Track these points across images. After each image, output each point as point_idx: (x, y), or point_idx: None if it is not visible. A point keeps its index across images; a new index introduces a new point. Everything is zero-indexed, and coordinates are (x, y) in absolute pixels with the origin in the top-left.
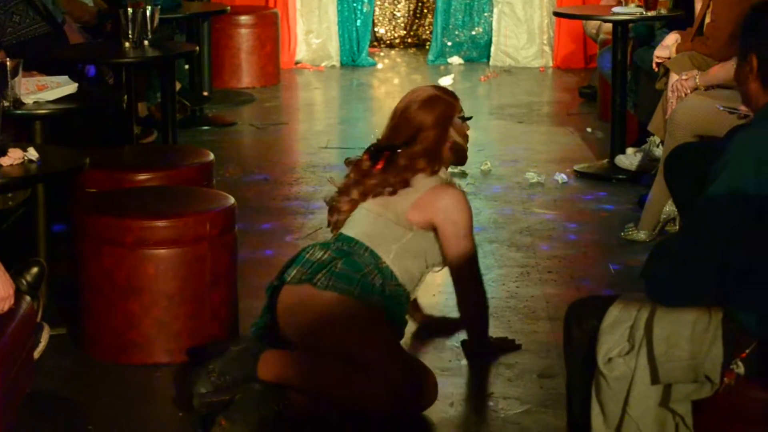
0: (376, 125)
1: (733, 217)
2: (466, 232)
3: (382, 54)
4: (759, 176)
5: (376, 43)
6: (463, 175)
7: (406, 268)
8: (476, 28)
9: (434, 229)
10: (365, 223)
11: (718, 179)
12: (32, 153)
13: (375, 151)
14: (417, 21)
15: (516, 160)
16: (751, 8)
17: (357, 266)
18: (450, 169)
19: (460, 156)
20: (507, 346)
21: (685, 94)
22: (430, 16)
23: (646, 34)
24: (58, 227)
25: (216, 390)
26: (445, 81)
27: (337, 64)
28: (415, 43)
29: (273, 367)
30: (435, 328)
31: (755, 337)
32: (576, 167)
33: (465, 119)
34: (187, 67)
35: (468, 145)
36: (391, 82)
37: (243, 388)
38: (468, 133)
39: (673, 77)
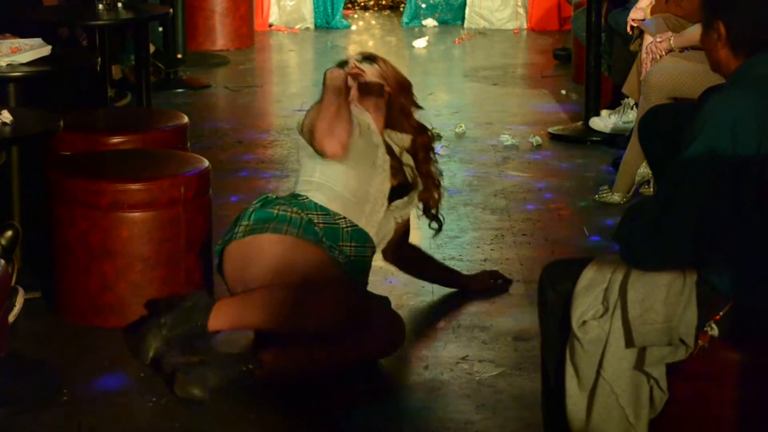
0: None
1: (708, 180)
2: None
3: (356, 16)
4: (734, 138)
5: (350, 5)
6: (438, 137)
7: (332, 197)
8: None
9: None
10: None
11: (694, 142)
12: (6, 116)
13: None
14: None
15: (490, 122)
16: None
17: (267, 213)
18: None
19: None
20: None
21: (660, 56)
22: None
23: None
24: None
25: (167, 344)
26: (420, 43)
27: (312, 26)
28: (389, 5)
29: (225, 314)
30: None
31: (729, 299)
32: (550, 129)
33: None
34: (161, 29)
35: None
36: (366, 45)
37: (210, 350)
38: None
39: (648, 39)
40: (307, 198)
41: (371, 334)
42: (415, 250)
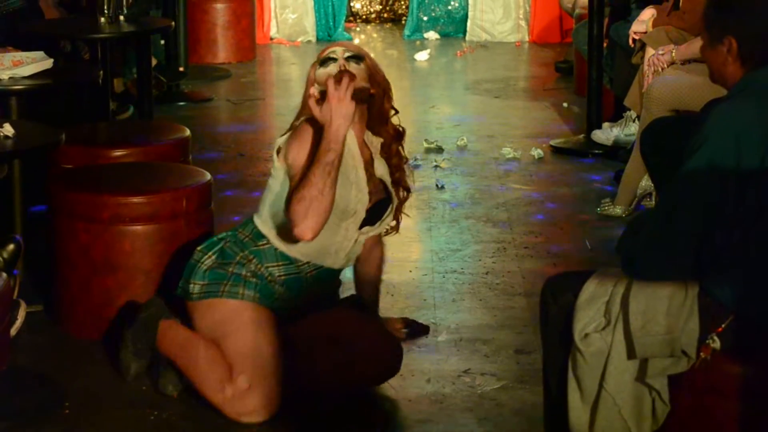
0: None
1: (710, 192)
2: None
3: (358, 29)
4: (738, 150)
5: (352, 18)
6: (440, 150)
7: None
8: (452, 3)
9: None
10: None
11: (696, 154)
12: (8, 129)
13: None
14: None
15: (492, 135)
16: None
17: (220, 274)
18: (426, 144)
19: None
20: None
21: (662, 69)
22: None
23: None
24: (37, 208)
25: (138, 355)
26: (421, 56)
27: (313, 39)
28: (391, 18)
29: (169, 345)
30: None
31: (731, 311)
32: (552, 142)
33: (325, 61)
34: (162, 42)
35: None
36: None
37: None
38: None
39: (650, 52)
40: (268, 245)
41: (365, 363)
42: (372, 269)
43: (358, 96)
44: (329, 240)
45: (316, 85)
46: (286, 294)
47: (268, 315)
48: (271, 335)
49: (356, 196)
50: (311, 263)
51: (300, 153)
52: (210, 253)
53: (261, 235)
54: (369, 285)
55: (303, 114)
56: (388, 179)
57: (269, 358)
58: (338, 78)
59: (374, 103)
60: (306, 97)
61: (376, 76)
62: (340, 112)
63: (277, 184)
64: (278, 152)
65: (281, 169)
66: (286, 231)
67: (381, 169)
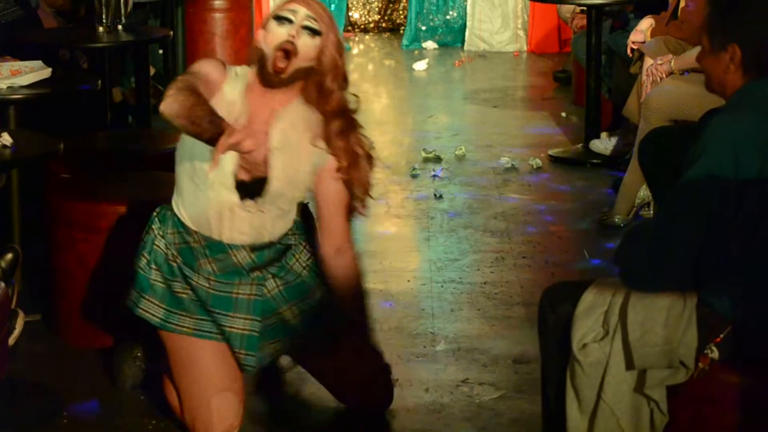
0: None
1: (709, 202)
2: None
3: (356, 38)
4: (736, 160)
5: (350, 28)
6: (438, 159)
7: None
8: (450, 13)
9: None
10: None
11: (695, 164)
12: (6, 138)
13: None
14: (391, 5)
15: (490, 145)
16: None
17: (144, 281)
18: (424, 154)
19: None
20: None
21: (660, 79)
22: (404, 0)
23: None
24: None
25: (144, 372)
26: (420, 66)
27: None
28: (389, 27)
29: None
30: None
31: (729, 321)
32: (551, 152)
33: (281, 18)
34: (161, 51)
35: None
36: (365, 67)
37: None
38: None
39: (648, 62)
40: (172, 211)
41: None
42: (335, 279)
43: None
44: (203, 204)
45: (263, 32)
46: (187, 274)
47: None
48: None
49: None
50: (199, 233)
51: (217, 71)
52: (142, 252)
53: (167, 208)
54: (338, 299)
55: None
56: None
57: (200, 390)
58: (281, 52)
59: (312, 78)
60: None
61: (323, 57)
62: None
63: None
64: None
65: None
66: (179, 189)
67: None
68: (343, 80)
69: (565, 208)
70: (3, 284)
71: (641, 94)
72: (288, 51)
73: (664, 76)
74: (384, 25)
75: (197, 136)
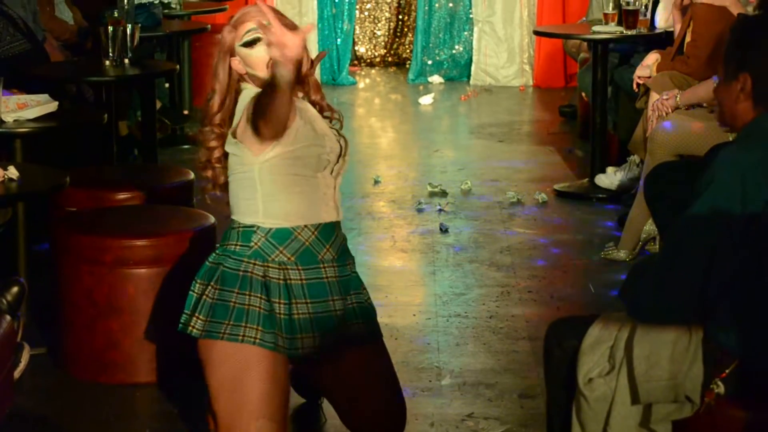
0: (356, 144)
1: (715, 235)
2: None
3: (362, 73)
4: (745, 194)
5: (356, 62)
6: (444, 193)
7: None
8: (456, 47)
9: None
10: None
11: (703, 196)
12: (12, 172)
13: None
14: (397, 40)
15: (496, 179)
16: (743, 22)
17: (222, 307)
18: (430, 188)
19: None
20: None
21: (666, 114)
22: (410, 34)
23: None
24: (42, 246)
25: None
26: (425, 100)
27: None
28: (395, 61)
29: None
30: None
31: (736, 356)
32: (556, 186)
33: (251, 43)
34: (167, 85)
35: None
36: (372, 101)
37: None
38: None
39: (654, 96)
40: (261, 236)
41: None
42: None
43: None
44: (314, 194)
45: (239, 58)
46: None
47: (271, 359)
48: (275, 382)
49: (330, 146)
50: (308, 225)
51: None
52: (211, 283)
53: (250, 231)
54: None
55: (223, 91)
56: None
57: (274, 410)
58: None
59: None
60: (227, 66)
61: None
62: (290, 41)
63: (237, 163)
64: (233, 134)
65: (235, 144)
66: (267, 206)
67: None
68: (309, 57)
69: (571, 242)
70: (9, 317)
71: (647, 129)
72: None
73: (669, 111)
74: (390, 59)
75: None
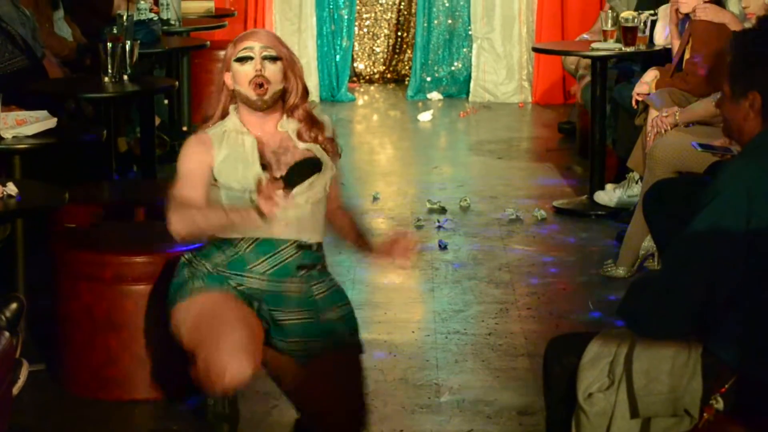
0: (355, 161)
1: (718, 249)
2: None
3: (361, 89)
4: (750, 207)
5: (355, 79)
6: (442, 210)
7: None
8: (455, 64)
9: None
10: None
11: (706, 210)
12: (11, 188)
13: None
14: (396, 56)
15: (495, 196)
16: (747, 38)
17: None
18: (428, 205)
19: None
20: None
21: (665, 131)
22: (409, 51)
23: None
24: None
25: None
26: (424, 117)
27: (317, 99)
28: (394, 78)
29: None
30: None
31: (735, 371)
32: (555, 203)
33: (242, 59)
34: (166, 101)
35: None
36: (370, 118)
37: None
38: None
39: (653, 113)
40: (208, 243)
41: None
42: (345, 217)
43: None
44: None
45: (231, 73)
46: (231, 275)
47: (218, 295)
48: (229, 316)
49: (243, 173)
50: (246, 237)
51: (196, 157)
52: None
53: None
54: (351, 231)
55: (217, 101)
56: (317, 147)
57: (237, 341)
58: (255, 86)
59: (289, 95)
60: (220, 84)
61: (291, 72)
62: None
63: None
64: None
65: None
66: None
67: (300, 144)
68: (305, 91)
69: (570, 259)
70: (7, 334)
71: (646, 146)
72: (261, 83)
73: (668, 128)
74: (389, 76)
75: (232, 228)
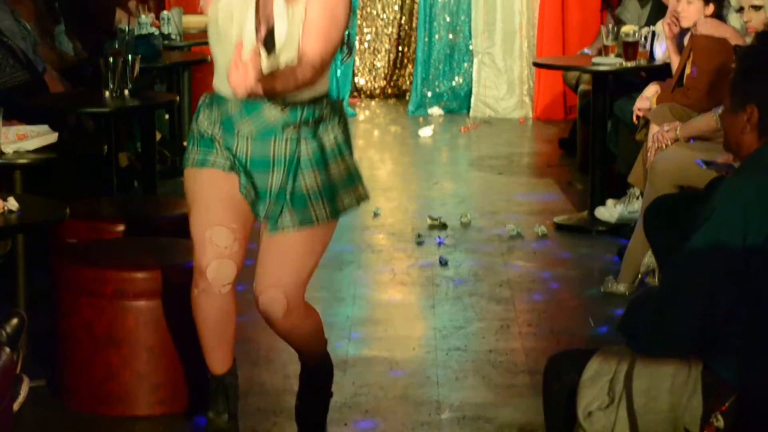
0: None
1: (716, 267)
2: None
3: (362, 105)
4: (746, 224)
5: (356, 94)
6: (443, 226)
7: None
8: (456, 79)
9: None
10: None
11: (703, 228)
12: (12, 203)
13: None
14: (397, 71)
15: (496, 212)
16: (750, 52)
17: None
18: (429, 221)
19: None
20: None
21: (666, 146)
22: (410, 66)
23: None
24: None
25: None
26: (425, 132)
27: None
28: (395, 93)
29: None
30: None
31: (735, 390)
32: (556, 219)
33: None
34: (167, 116)
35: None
36: (371, 133)
37: None
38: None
39: (654, 128)
40: (212, 93)
41: None
42: None
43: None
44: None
45: None
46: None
47: (211, 181)
48: (214, 194)
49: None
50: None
51: None
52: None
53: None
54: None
55: None
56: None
57: (221, 217)
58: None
59: None
60: None
61: None
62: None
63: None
64: None
65: None
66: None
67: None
68: None
69: (570, 275)
70: (8, 349)
71: (647, 161)
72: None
73: (669, 143)
74: (390, 91)
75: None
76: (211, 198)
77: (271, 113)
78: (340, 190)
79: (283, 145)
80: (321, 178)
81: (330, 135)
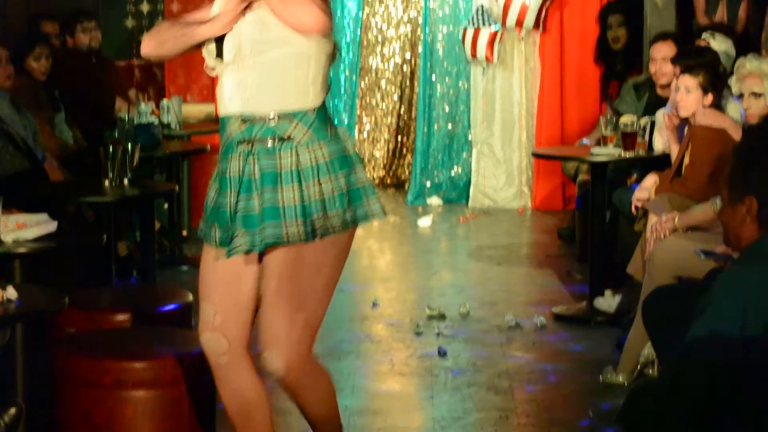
0: (354, 266)
1: (715, 356)
2: None
3: None
4: (744, 314)
5: None
6: (442, 317)
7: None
8: (455, 169)
9: None
10: None
11: (702, 318)
12: (11, 292)
13: None
14: (396, 161)
15: (495, 302)
16: (750, 144)
17: None
18: (428, 311)
19: None
20: None
21: (665, 236)
22: (409, 156)
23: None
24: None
25: None
26: (424, 222)
27: None
28: (394, 183)
29: None
30: None
31: None
32: (554, 309)
33: None
34: (166, 206)
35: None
36: (370, 223)
37: None
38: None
39: (652, 219)
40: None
41: None
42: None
43: None
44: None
45: None
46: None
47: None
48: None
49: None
50: (236, 120)
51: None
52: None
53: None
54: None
55: None
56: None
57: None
58: None
59: None
60: None
61: None
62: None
63: None
64: None
65: None
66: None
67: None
68: None
69: (569, 366)
70: None
71: (645, 252)
72: None
73: (668, 233)
74: (389, 180)
75: (193, 41)
76: (204, 270)
77: (232, 127)
78: (315, 211)
79: (236, 162)
80: (267, 197)
81: (307, 155)
